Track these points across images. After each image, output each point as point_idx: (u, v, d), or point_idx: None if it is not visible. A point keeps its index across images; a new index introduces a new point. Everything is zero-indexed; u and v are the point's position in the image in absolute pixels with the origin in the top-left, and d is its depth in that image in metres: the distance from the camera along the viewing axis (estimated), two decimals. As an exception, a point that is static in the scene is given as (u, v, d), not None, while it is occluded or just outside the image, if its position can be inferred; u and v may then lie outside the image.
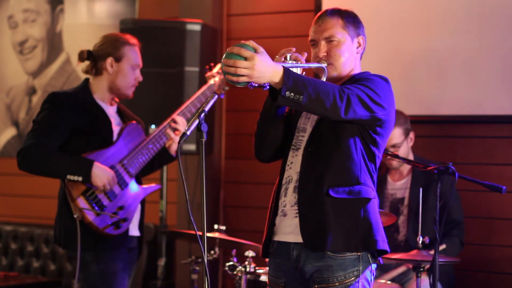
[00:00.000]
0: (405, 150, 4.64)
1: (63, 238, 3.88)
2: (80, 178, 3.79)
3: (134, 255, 4.05)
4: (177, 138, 4.08)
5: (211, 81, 4.29)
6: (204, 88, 4.26)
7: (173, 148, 4.12)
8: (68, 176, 3.79)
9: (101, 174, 3.82)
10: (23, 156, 3.81)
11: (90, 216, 3.80)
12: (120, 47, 3.99)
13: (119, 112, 4.10)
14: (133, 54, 4.01)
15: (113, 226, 3.85)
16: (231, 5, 5.72)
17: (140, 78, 4.06)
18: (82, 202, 3.81)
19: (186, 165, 5.53)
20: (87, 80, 4.05)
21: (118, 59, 3.98)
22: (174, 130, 4.08)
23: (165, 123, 4.10)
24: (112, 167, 3.88)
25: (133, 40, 4.06)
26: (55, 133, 3.85)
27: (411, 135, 4.70)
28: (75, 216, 3.78)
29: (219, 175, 5.72)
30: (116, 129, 4.00)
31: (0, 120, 6.66)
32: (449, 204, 4.10)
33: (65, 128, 3.86)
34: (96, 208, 3.82)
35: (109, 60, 3.97)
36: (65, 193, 3.86)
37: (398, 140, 4.61)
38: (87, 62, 4.04)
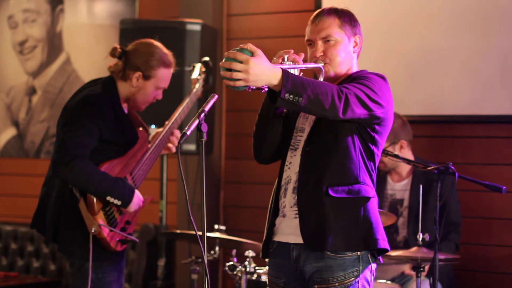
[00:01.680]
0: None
1: (68, 244, 3.77)
2: (119, 203, 3.70)
3: (124, 261, 4.03)
4: (173, 149, 4.06)
5: (196, 86, 4.24)
6: (188, 97, 4.20)
7: (163, 151, 4.11)
8: (108, 198, 3.67)
9: (136, 202, 3.76)
10: (66, 165, 3.61)
11: (105, 231, 3.70)
12: (154, 66, 3.81)
13: (128, 115, 4.00)
14: (164, 77, 3.84)
15: (121, 242, 3.80)
16: (231, 5, 5.72)
17: (160, 97, 3.90)
18: (101, 217, 3.70)
19: (186, 165, 5.54)
20: (113, 80, 3.84)
21: (147, 77, 3.81)
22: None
23: (163, 133, 4.01)
24: (125, 179, 3.80)
25: (170, 60, 3.87)
26: (92, 142, 3.68)
27: (402, 143, 4.64)
28: (92, 230, 3.65)
29: (219, 175, 5.73)
30: None
31: (0, 120, 6.66)
32: (448, 206, 4.10)
33: (98, 135, 3.70)
34: (111, 224, 3.75)
35: (137, 74, 3.80)
36: (71, 196, 3.73)
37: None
38: (116, 62, 3.85)
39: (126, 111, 3.88)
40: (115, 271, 3.84)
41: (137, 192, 3.78)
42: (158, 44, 3.92)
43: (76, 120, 3.70)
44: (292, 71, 2.86)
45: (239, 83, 2.74)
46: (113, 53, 3.86)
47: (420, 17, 5.08)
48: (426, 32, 5.06)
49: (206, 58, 4.52)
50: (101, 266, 3.78)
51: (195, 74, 4.31)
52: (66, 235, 3.77)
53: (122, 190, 3.70)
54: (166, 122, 4.07)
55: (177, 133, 4.07)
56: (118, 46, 3.88)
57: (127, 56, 3.84)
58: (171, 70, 3.89)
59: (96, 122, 3.69)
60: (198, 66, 4.35)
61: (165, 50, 3.91)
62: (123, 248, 3.84)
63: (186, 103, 4.18)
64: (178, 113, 4.12)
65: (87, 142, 3.67)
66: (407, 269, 4.50)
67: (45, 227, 3.84)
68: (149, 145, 3.98)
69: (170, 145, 4.09)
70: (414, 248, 3.90)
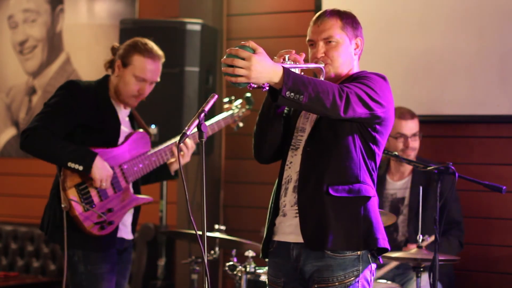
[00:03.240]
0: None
1: (50, 228, 3.86)
2: (80, 167, 3.75)
3: (127, 256, 4.03)
4: (181, 159, 4.05)
5: (230, 112, 4.31)
6: (221, 116, 4.26)
7: (174, 167, 4.13)
8: (69, 164, 3.74)
9: (101, 168, 3.79)
10: (27, 136, 3.76)
11: (77, 209, 3.76)
12: (130, 53, 3.91)
13: (131, 117, 4.06)
14: (141, 65, 3.89)
15: (98, 226, 3.81)
16: (231, 5, 5.72)
17: (144, 93, 3.93)
18: (72, 194, 3.77)
19: (186, 165, 5.53)
20: (106, 76, 3.99)
21: (124, 65, 3.91)
22: (181, 150, 4.04)
23: (173, 140, 4.06)
24: (111, 168, 3.86)
25: (151, 52, 3.92)
26: (62, 121, 3.80)
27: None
28: (62, 206, 3.74)
29: (219, 175, 5.73)
30: (123, 132, 3.96)
31: (0, 120, 6.66)
32: (449, 204, 4.10)
33: (73, 118, 3.82)
34: (86, 203, 3.79)
35: (118, 62, 3.92)
36: (58, 182, 3.82)
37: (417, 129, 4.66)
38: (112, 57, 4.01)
39: (124, 107, 3.97)
40: (105, 262, 3.84)
41: (100, 158, 3.80)
42: (146, 39, 3.99)
43: (50, 100, 3.87)
44: (293, 70, 2.87)
45: (241, 80, 2.74)
46: (111, 51, 4.02)
47: (420, 17, 5.08)
48: (426, 32, 5.06)
49: (248, 95, 4.44)
50: (88, 257, 3.81)
51: (236, 103, 4.36)
52: (52, 222, 3.85)
53: (80, 154, 3.76)
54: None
55: (188, 142, 4.06)
56: (115, 44, 4.03)
57: (117, 50, 3.99)
58: (151, 62, 3.91)
59: (69, 103, 3.82)
60: (239, 102, 4.38)
61: (149, 43, 3.97)
62: (102, 233, 3.83)
63: (217, 120, 4.25)
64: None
65: (56, 118, 3.79)
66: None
67: (43, 222, 3.93)
68: (151, 148, 4.02)
69: (173, 160, 4.11)
70: (414, 249, 3.90)
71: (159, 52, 3.98)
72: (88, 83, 3.95)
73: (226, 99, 4.43)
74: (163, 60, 4.00)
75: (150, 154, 3.99)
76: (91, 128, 3.86)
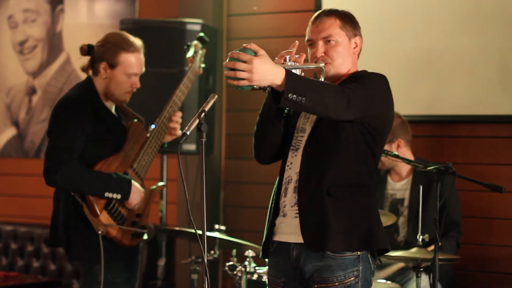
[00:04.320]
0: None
1: (75, 247, 3.78)
2: (119, 196, 3.71)
3: (138, 257, 4.03)
4: (178, 131, 4.05)
5: (193, 64, 4.22)
6: (185, 77, 4.17)
7: (167, 139, 4.09)
8: (107, 194, 3.69)
9: (137, 192, 3.78)
10: (55, 174, 3.64)
11: (114, 231, 3.73)
12: (116, 53, 3.81)
13: (117, 109, 3.98)
14: (129, 62, 3.82)
15: (135, 236, 3.82)
16: (231, 5, 5.72)
17: (137, 85, 3.88)
18: (105, 218, 3.72)
19: (186, 165, 5.53)
20: (90, 79, 3.87)
21: (112, 66, 3.81)
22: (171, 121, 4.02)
23: (162, 117, 4.01)
24: (125, 173, 3.82)
25: (134, 45, 3.86)
26: (77, 144, 3.70)
27: (399, 142, 4.64)
28: (99, 232, 3.67)
29: (219, 175, 5.73)
30: None
31: (0, 120, 6.66)
32: (448, 205, 4.09)
33: (83, 136, 3.72)
34: (118, 221, 3.76)
35: (103, 64, 3.81)
36: (74, 204, 3.74)
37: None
38: (87, 58, 3.89)
39: (113, 107, 3.90)
40: (124, 272, 3.84)
41: (134, 183, 3.78)
42: (121, 32, 3.93)
43: (57, 127, 3.73)
44: (293, 71, 2.87)
45: (243, 83, 2.75)
46: (81, 51, 3.89)
47: (420, 17, 5.08)
48: (426, 32, 5.06)
49: (201, 34, 4.45)
50: (111, 267, 3.78)
51: (190, 53, 4.28)
52: (77, 242, 3.77)
53: (117, 183, 3.72)
54: (166, 106, 4.05)
55: (178, 115, 4.05)
56: (84, 44, 3.89)
57: (93, 50, 3.86)
58: (137, 55, 3.85)
59: (77, 124, 3.71)
60: (193, 43, 4.32)
61: (127, 36, 3.89)
62: (139, 240, 3.85)
63: (184, 83, 4.14)
64: (176, 95, 4.09)
65: (72, 145, 3.69)
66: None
67: (59, 240, 3.83)
68: (148, 135, 3.97)
69: (172, 127, 4.05)
70: (414, 249, 3.90)
71: (139, 42, 3.92)
72: (79, 96, 3.80)
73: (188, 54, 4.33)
74: (143, 48, 3.93)
75: (150, 141, 3.95)
76: (99, 141, 3.78)
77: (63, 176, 3.64)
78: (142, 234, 3.86)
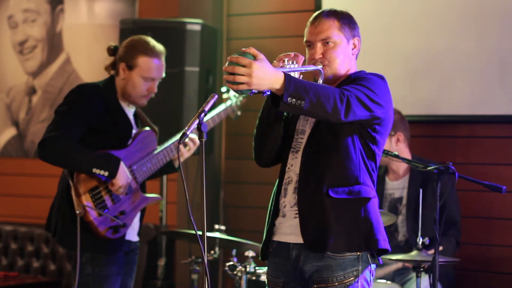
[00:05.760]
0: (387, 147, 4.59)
1: (61, 232, 3.83)
2: (106, 173, 3.75)
3: (133, 257, 4.03)
4: (186, 153, 4.09)
5: (227, 103, 4.37)
6: (220, 109, 4.30)
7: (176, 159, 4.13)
8: (94, 170, 3.74)
9: (124, 174, 3.80)
10: (45, 146, 3.75)
11: (92, 215, 3.76)
12: (135, 56, 3.90)
13: (136, 116, 4.05)
14: (147, 66, 3.90)
15: (112, 229, 3.82)
16: (231, 5, 5.72)
17: (154, 90, 3.96)
18: (87, 199, 3.77)
19: (186, 165, 5.53)
20: (112, 77, 3.97)
21: (130, 67, 3.91)
22: (186, 145, 4.06)
23: (178, 137, 4.07)
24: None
25: (154, 50, 3.93)
26: (77, 126, 3.80)
27: (399, 135, 4.64)
28: (77, 212, 3.73)
29: (219, 175, 5.73)
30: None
31: (0, 120, 6.66)
32: (448, 205, 4.09)
33: (86, 123, 3.82)
34: (99, 208, 3.79)
35: (122, 65, 3.91)
36: (67, 185, 3.81)
37: None
38: (111, 59, 3.99)
39: (128, 105, 3.97)
40: (112, 264, 3.85)
41: (123, 164, 3.81)
42: (145, 37, 4.00)
43: (63, 106, 3.84)
44: (292, 74, 2.87)
45: (242, 87, 2.75)
46: (108, 52, 4.00)
47: (420, 17, 5.08)
48: (426, 32, 5.06)
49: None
50: (97, 259, 3.82)
51: (233, 100, 4.49)
52: (61, 225, 3.83)
53: (106, 160, 3.76)
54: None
55: (193, 137, 4.08)
56: (111, 44, 4.01)
57: (117, 51, 3.97)
58: (157, 60, 3.93)
59: (82, 108, 3.81)
60: (239, 98, 4.51)
61: (150, 41, 3.97)
62: (115, 236, 3.84)
63: (218, 112, 4.31)
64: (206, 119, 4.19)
65: (71, 124, 3.78)
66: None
67: (50, 224, 3.90)
68: (158, 146, 4.03)
69: (188, 146, 4.11)
70: (414, 252, 3.90)
71: (161, 48, 3.99)
72: (96, 85, 3.93)
73: (223, 89, 4.46)
74: (165, 54, 4.01)
75: (157, 153, 4.00)
76: (101, 132, 3.85)
77: (53, 149, 3.73)
78: (119, 227, 3.84)
